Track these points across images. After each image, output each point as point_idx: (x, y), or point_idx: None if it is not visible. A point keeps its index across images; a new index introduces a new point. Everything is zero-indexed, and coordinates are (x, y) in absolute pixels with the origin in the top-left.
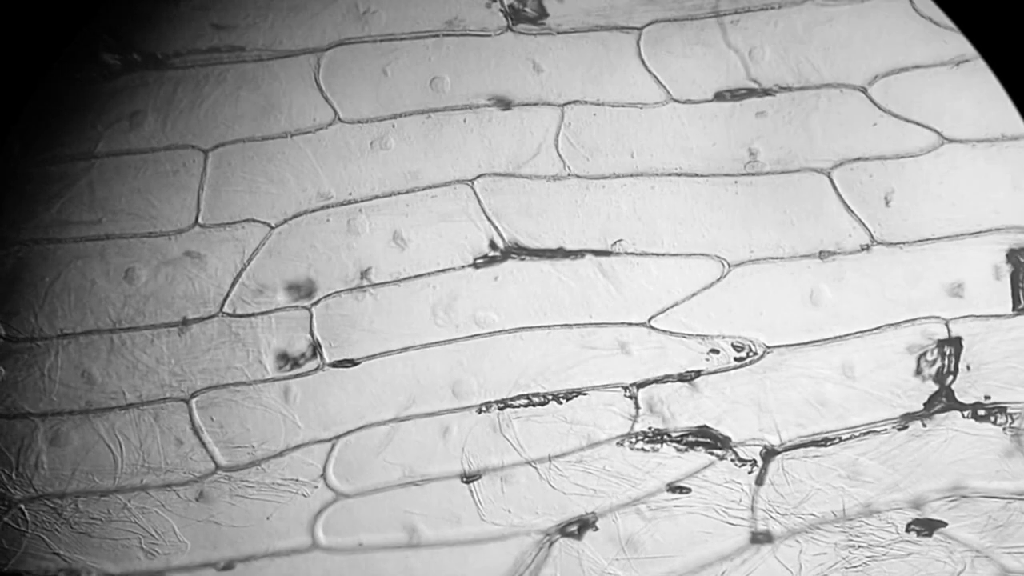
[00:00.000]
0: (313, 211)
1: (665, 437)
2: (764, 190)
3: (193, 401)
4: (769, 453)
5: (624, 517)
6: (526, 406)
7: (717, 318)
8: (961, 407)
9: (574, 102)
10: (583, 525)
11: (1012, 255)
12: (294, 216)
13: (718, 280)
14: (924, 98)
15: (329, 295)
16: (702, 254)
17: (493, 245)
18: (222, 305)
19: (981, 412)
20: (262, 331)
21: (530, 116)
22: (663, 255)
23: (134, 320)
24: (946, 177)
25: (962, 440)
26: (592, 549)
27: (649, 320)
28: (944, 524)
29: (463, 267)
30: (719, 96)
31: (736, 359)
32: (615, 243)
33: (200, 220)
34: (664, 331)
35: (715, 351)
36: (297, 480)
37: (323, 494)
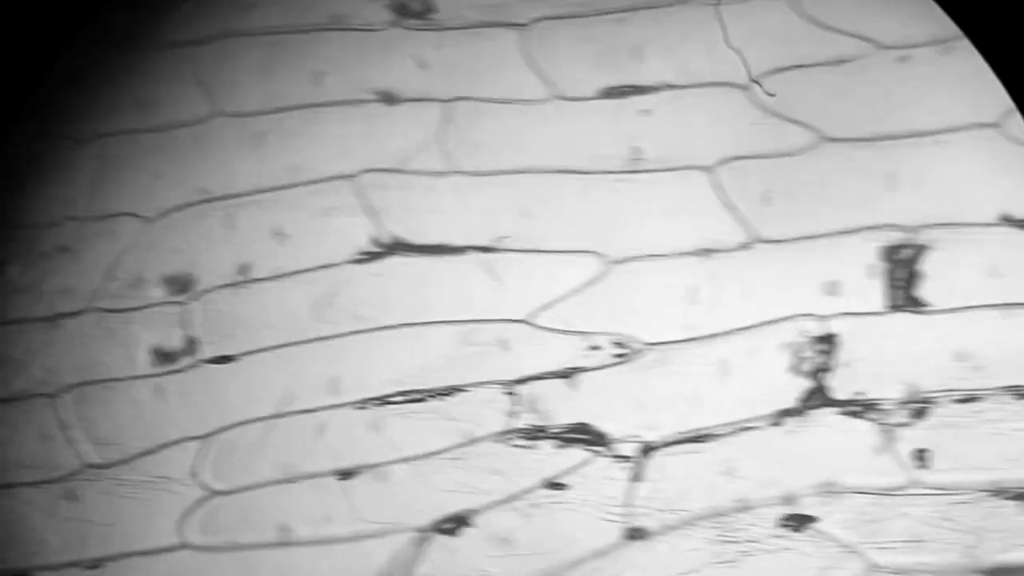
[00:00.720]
0: (191, 205)
1: (544, 434)
2: (647, 187)
3: (64, 397)
4: (646, 449)
5: (501, 514)
6: (405, 403)
7: (598, 315)
8: (835, 403)
9: (459, 98)
10: (459, 522)
11: (887, 253)
12: (171, 210)
13: (599, 277)
14: (804, 97)
15: (206, 290)
16: (584, 251)
17: (375, 241)
18: (95, 300)
19: (854, 408)
20: (136, 326)
21: (415, 112)
22: (546, 252)
23: (4, 314)
24: (824, 176)
25: (835, 436)
26: (468, 547)
27: (530, 317)
28: (815, 519)
29: (344, 263)
30: (604, 93)
31: (616, 356)
32: (498, 240)
33: (75, 213)
34: (545, 328)
35: (595, 348)
36: (169, 478)
37: (195, 492)
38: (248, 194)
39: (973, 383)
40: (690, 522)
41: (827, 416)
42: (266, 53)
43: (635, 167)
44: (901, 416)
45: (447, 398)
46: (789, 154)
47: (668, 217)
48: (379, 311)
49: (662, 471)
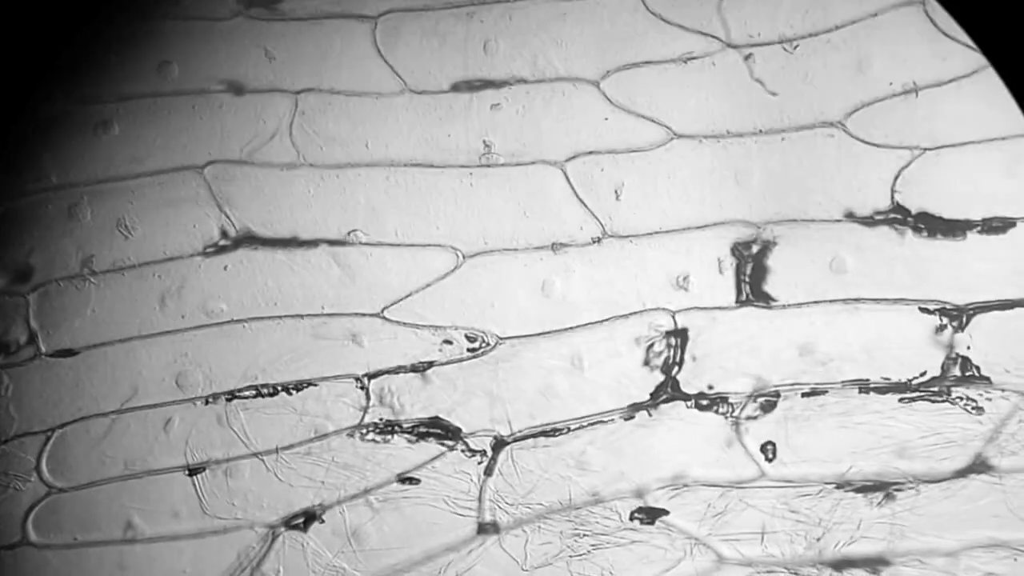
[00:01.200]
0: (33, 195)
1: (396, 428)
2: (498, 182)
3: None
4: (499, 444)
5: (352, 509)
6: (254, 397)
7: (451, 309)
8: (685, 397)
9: (308, 90)
10: (309, 518)
11: (736, 248)
12: (12, 200)
13: (452, 271)
14: (654, 93)
15: (48, 282)
16: (436, 245)
17: (224, 233)
18: None
19: (704, 402)
20: None
21: (263, 103)
22: (398, 246)
23: None
24: (674, 172)
25: (685, 429)
26: (318, 542)
27: (382, 311)
28: (666, 512)
29: (192, 255)
30: (455, 87)
31: (469, 350)
32: (350, 233)
33: None
34: (397, 322)
35: (448, 342)
36: (8, 474)
37: (37, 489)
38: (91, 184)
39: (819, 377)
40: (542, 516)
41: (677, 410)
42: (113, 42)
43: (487, 161)
44: (749, 410)
45: (298, 392)
46: (640, 150)
47: (520, 211)
48: (228, 304)
49: (514, 465)
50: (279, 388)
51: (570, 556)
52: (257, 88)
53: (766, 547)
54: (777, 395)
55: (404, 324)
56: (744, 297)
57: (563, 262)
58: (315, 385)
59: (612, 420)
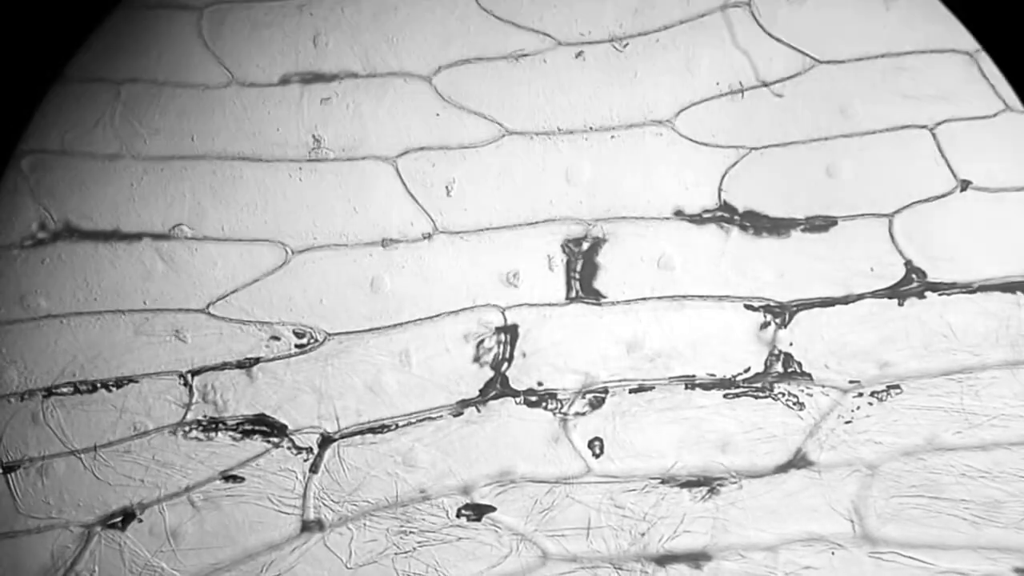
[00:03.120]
0: None
1: (220, 425)
2: (329, 177)
3: None
4: (325, 440)
5: (172, 508)
6: (72, 394)
7: (279, 305)
8: (515, 393)
9: (132, 80)
10: (127, 516)
11: (566, 246)
12: None
13: (280, 267)
14: (486, 90)
15: None
16: (264, 240)
17: (42, 226)
18: None
19: (533, 398)
20: None
21: (85, 92)
22: (224, 240)
23: None
24: (506, 168)
25: (514, 426)
26: (135, 541)
27: (208, 307)
28: (493, 509)
29: (9, 248)
30: (284, 80)
31: (297, 346)
32: (174, 227)
33: None
34: (223, 318)
35: (275, 338)
36: None
37: None
38: None
39: (646, 373)
40: (368, 513)
41: (506, 406)
42: None
43: (317, 156)
44: (577, 406)
45: (118, 389)
46: (471, 146)
47: (350, 207)
48: (47, 299)
49: (341, 462)
50: (98, 385)
51: (395, 553)
52: (80, 77)
53: (591, 542)
54: (605, 391)
55: (230, 320)
56: (574, 294)
57: (393, 258)
58: (136, 382)
59: (440, 417)
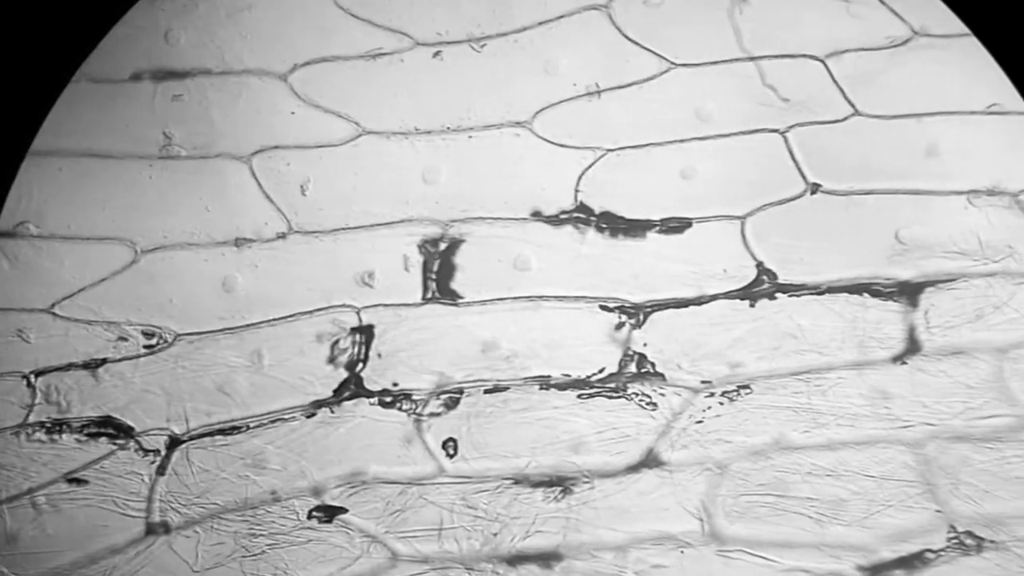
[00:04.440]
0: None
1: (65, 427)
2: (181, 175)
3: None
4: (173, 442)
5: (13, 511)
6: None
7: (127, 304)
8: (369, 394)
9: None
10: None
11: (423, 246)
12: None
13: (129, 266)
14: (342, 89)
15: None
16: (113, 238)
17: None
18: None
19: (387, 399)
20: None
21: None
22: (71, 239)
23: None
24: (362, 168)
25: (368, 427)
26: None
27: (52, 306)
28: (345, 511)
29: None
30: (135, 76)
31: (145, 347)
32: (19, 225)
33: None
34: (69, 318)
35: (123, 338)
36: None
37: None
38: None
39: (502, 374)
40: (217, 515)
41: (360, 407)
42: None
43: (168, 153)
44: (432, 406)
45: None
46: (328, 145)
47: (202, 205)
48: None
49: (189, 464)
50: None
51: (244, 556)
52: None
53: (443, 543)
54: (461, 392)
55: (76, 320)
56: (430, 295)
57: (246, 257)
58: None
59: (293, 418)
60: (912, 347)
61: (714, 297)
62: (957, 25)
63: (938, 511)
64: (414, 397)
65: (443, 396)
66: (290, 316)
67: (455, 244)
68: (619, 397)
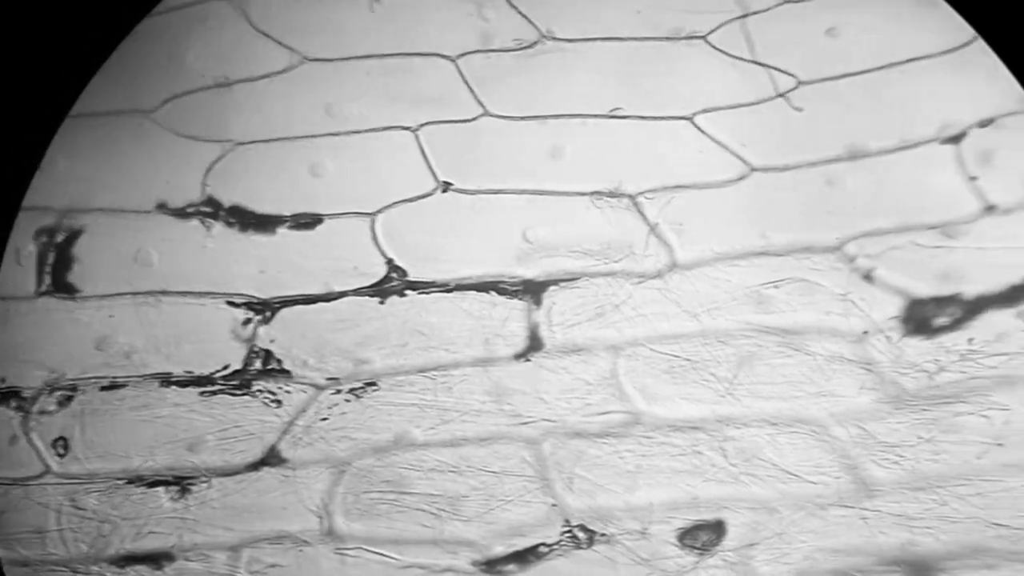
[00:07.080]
0: None
1: None
2: None
3: None
4: None
5: None
6: None
7: None
8: None
9: None
10: None
11: (38, 236)
12: None
13: None
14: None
15: None
16: None
17: None
18: None
19: None
20: None
21: None
22: None
23: None
24: None
25: None
26: None
27: None
28: None
29: None
30: None
31: None
32: None
33: None
34: None
35: None
36: None
37: None
38: None
39: (122, 370)
40: None
41: None
42: None
43: None
44: (43, 404)
45: None
46: None
47: None
48: None
49: None
50: None
51: None
52: None
53: (47, 546)
54: (74, 388)
55: None
56: (44, 287)
57: None
58: None
59: None
60: (535, 344)
61: (343, 294)
62: (583, 29)
63: (554, 505)
64: (23, 394)
65: (56, 393)
66: None
67: (74, 235)
68: (243, 394)
